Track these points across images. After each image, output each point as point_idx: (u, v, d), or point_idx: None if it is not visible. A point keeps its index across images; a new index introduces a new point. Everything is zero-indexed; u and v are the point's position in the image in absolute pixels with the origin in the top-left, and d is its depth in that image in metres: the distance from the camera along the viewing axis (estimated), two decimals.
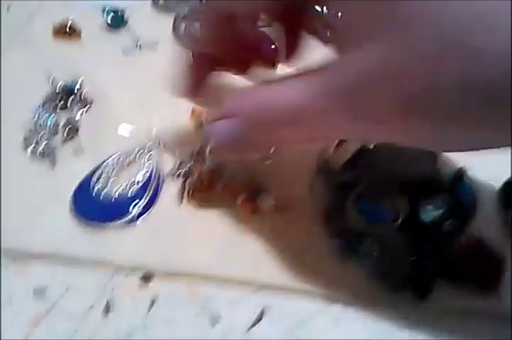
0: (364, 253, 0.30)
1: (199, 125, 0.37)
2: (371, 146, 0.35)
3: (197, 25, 0.30)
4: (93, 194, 0.32)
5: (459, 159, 0.34)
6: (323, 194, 0.34)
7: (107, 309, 0.28)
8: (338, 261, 0.31)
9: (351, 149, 0.36)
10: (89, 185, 0.33)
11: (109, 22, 0.47)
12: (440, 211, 0.31)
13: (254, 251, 0.31)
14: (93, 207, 0.32)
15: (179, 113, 0.38)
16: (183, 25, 0.47)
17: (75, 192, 0.32)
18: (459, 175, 0.33)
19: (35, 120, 0.37)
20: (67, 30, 0.46)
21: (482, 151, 0.19)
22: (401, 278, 0.29)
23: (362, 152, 0.35)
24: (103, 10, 0.47)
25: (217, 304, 0.29)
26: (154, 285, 0.30)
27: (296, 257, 0.31)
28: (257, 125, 0.23)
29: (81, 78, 0.40)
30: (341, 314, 0.29)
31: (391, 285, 0.29)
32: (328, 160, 0.36)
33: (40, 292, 0.29)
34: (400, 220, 0.31)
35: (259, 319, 0.28)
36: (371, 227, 0.31)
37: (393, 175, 0.33)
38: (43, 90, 0.40)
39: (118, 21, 0.47)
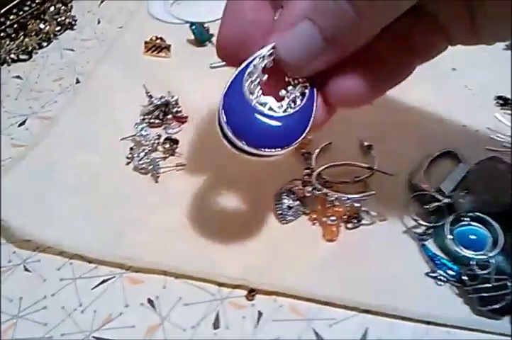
0: (468, 278, 0.31)
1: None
2: (467, 170, 0.36)
3: None
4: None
5: None
6: (419, 215, 0.34)
7: (217, 323, 0.30)
8: (436, 284, 0.31)
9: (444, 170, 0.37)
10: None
11: (196, 37, 0.49)
12: None
13: (351, 273, 0.32)
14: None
15: None
16: None
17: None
18: None
19: (137, 134, 0.39)
20: (157, 46, 0.48)
21: None
22: (504, 305, 0.29)
23: (459, 172, 0.36)
24: (190, 26, 0.49)
25: (318, 324, 0.30)
26: (258, 300, 0.31)
27: (394, 279, 0.32)
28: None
29: (176, 95, 0.41)
30: (443, 337, 0.29)
31: (495, 311, 0.29)
32: (421, 181, 0.36)
33: (152, 303, 0.30)
34: (499, 248, 0.31)
35: None
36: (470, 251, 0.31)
37: (490, 200, 0.33)
38: (139, 105, 0.42)
39: (204, 36, 0.49)
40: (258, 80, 0.25)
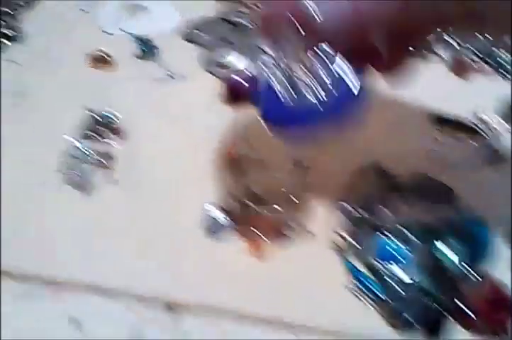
0: (380, 290, 0.32)
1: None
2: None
3: None
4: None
5: (477, 202, 0.35)
6: (344, 229, 0.35)
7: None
8: (352, 296, 0.32)
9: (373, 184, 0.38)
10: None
11: (141, 51, 0.49)
12: (457, 253, 0.33)
13: (275, 286, 0.33)
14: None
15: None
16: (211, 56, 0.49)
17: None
18: (477, 218, 0.35)
19: (72, 149, 0.39)
20: (101, 58, 0.48)
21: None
22: (414, 316, 0.30)
23: (383, 189, 0.36)
24: (136, 40, 0.49)
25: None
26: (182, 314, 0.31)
27: (315, 292, 0.32)
28: None
29: (115, 109, 0.42)
30: None
31: (404, 322, 0.30)
32: (353, 192, 0.37)
33: (74, 320, 0.30)
34: (417, 260, 0.32)
35: None
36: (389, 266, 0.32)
37: (414, 215, 0.34)
38: (79, 119, 0.42)
39: (149, 50, 0.49)
40: None
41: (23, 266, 0.33)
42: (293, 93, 0.26)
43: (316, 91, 0.26)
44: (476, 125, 0.44)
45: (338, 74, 0.25)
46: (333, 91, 0.25)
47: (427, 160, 0.40)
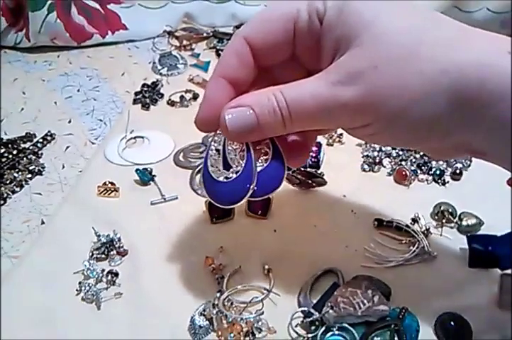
0: None
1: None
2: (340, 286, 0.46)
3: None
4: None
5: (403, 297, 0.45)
6: (302, 327, 0.44)
7: None
8: None
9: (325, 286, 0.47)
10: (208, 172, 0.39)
11: (140, 178, 0.61)
12: None
13: None
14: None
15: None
16: (197, 178, 0.61)
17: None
18: (404, 311, 0.44)
19: (85, 269, 0.49)
20: (107, 187, 0.60)
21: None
22: None
23: (331, 290, 0.46)
24: (136, 170, 0.61)
25: None
26: None
27: None
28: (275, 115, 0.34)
29: (120, 232, 0.53)
30: None
31: None
32: (304, 298, 0.47)
33: None
34: None
35: None
36: None
37: (351, 313, 0.44)
38: (91, 241, 0.53)
39: (146, 178, 0.61)
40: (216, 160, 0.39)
41: None
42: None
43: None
44: (411, 227, 0.54)
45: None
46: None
47: (368, 259, 0.50)
